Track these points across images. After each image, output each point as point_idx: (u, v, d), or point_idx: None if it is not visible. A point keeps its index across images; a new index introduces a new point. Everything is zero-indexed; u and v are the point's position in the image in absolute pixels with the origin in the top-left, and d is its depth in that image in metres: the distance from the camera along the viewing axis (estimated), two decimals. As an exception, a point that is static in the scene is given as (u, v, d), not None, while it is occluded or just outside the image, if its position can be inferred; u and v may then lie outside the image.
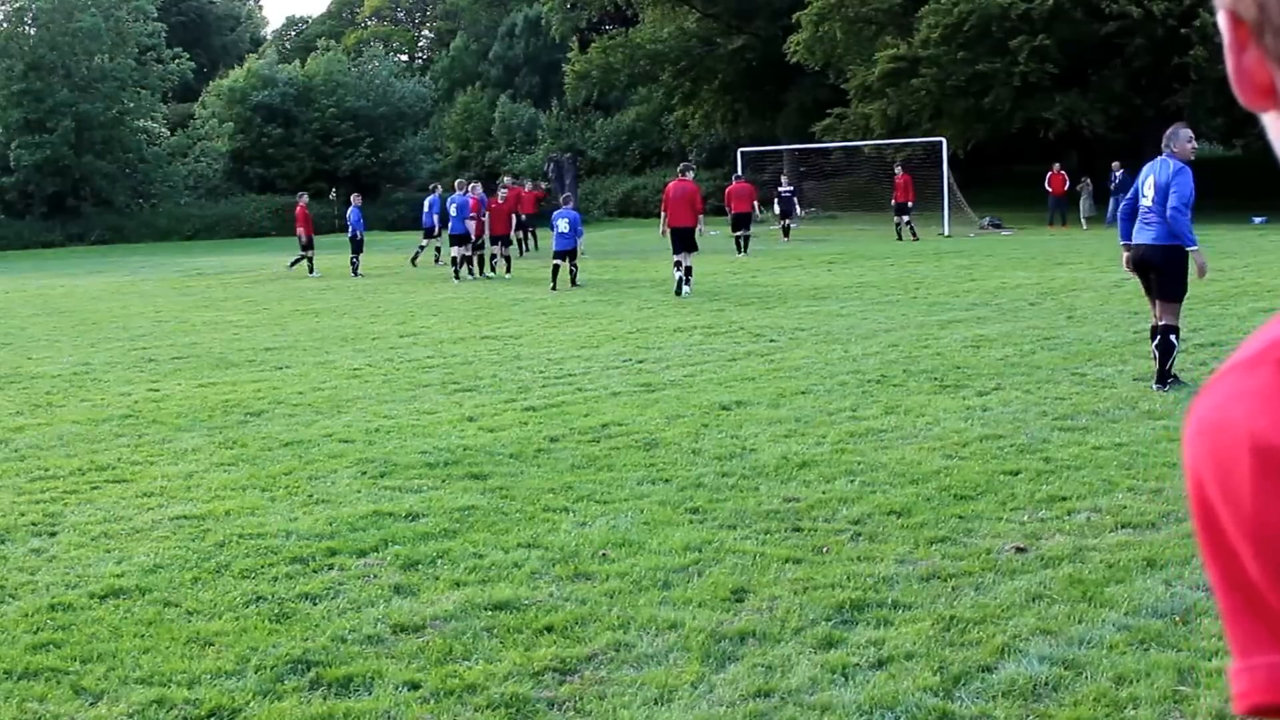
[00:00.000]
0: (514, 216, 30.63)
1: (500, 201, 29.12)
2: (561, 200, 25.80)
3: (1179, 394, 10.52)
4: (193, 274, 31.84)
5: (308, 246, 30.52)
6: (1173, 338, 10.81)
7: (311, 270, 30.09)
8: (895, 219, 36.06)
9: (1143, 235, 10.72)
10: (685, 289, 21.62)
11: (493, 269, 28.27)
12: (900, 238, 35.31)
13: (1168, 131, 10.74)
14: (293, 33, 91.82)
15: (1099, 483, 7.80)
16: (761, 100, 54.68)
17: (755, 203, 34.35)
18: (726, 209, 33.38)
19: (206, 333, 18.17)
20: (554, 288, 23.50)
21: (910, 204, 35.77)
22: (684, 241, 21.98)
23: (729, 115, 55.83)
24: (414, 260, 31.62)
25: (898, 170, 36.67)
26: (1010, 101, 42.00)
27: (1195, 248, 10.62)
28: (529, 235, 35.21)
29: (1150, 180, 10.69)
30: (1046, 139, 43.73)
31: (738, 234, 31.94)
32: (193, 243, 50.13)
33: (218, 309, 22.02)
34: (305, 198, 32.33)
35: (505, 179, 33.79)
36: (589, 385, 12.20)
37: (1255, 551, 0.80)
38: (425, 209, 30.99)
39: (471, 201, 27.70)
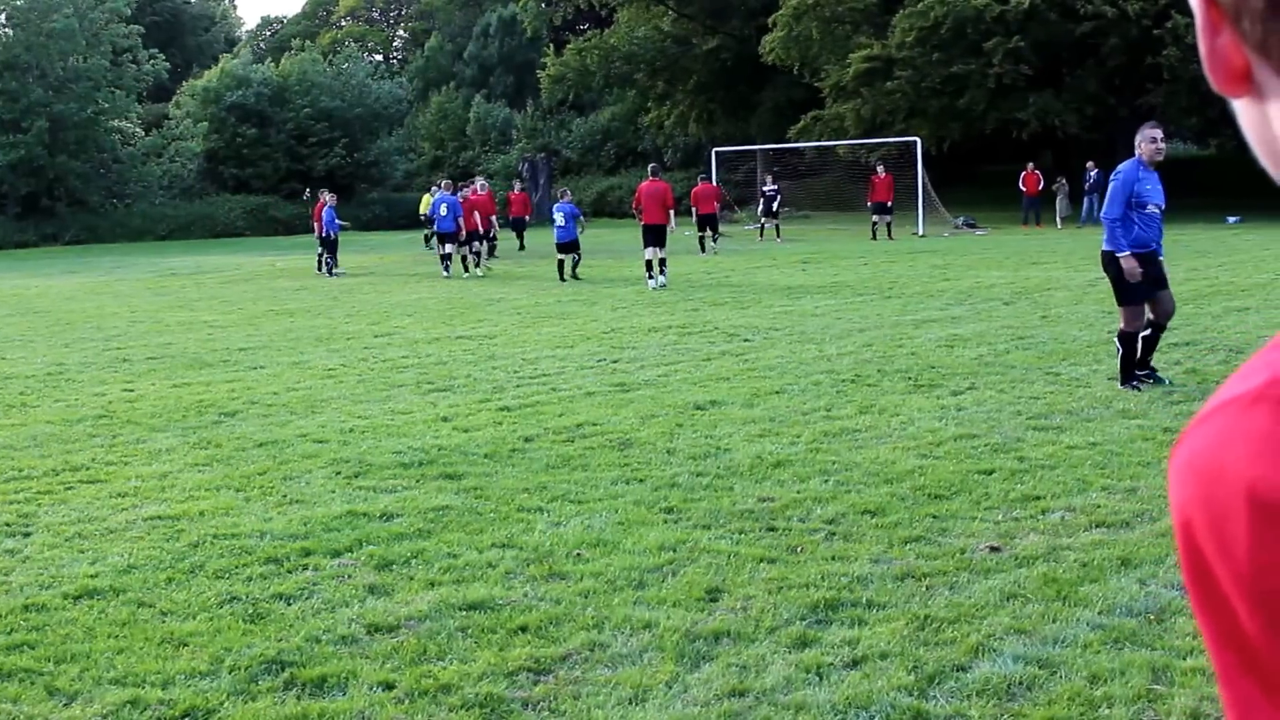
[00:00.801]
0: (489, 218, 30.86)
1: (477, 195, 30.13)
2: (559, 194, 26.96)
3: (1152, 393, 10.56)
4: (167, 274, 31.71)
5: (325, 244, 30.57)
6: (1116, 340, 11.03)
7: (324, 269, 30.21)
8: (873, 218, 36.44)
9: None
10: (661, 278, 22.87)
11: (477, 265, 28.72)
12: (874, 237, 35.74)
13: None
14: (267, 33, 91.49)
15: (1073, 482, 7.83)
16: (736, 100, 54.73)
17: (718, 203, 35.05)
18: (693, 209, 33.79)
19: (181, 333, 18.09)
20: (562, 279, 24.74)
21: (890, 204, 36.20)
22: (656, 237, 23.27)
23: (704, 115, 55.88)
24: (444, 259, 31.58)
25: (880, 170, 37.01)
26: (985, 102, 42.18)
27: (1123, 253, 10.68)
28: (519, 237, 35.70)
29: None
30: (1020, 139, 43.91)
31: (701, 234, 32.85)
32: (167, 243, 49.94)
33: (192, 309, 21.94)
34: (326, 194, 31.92)
35: (479, 179, 34.37)
36: (564, 385, 12.19)
37: (1252, 608, 0.76)
38: (432, 207, 30.82)
39: (472, 198, 29.14)
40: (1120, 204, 10.68)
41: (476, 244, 29.02)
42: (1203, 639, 0.81)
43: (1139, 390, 10.68)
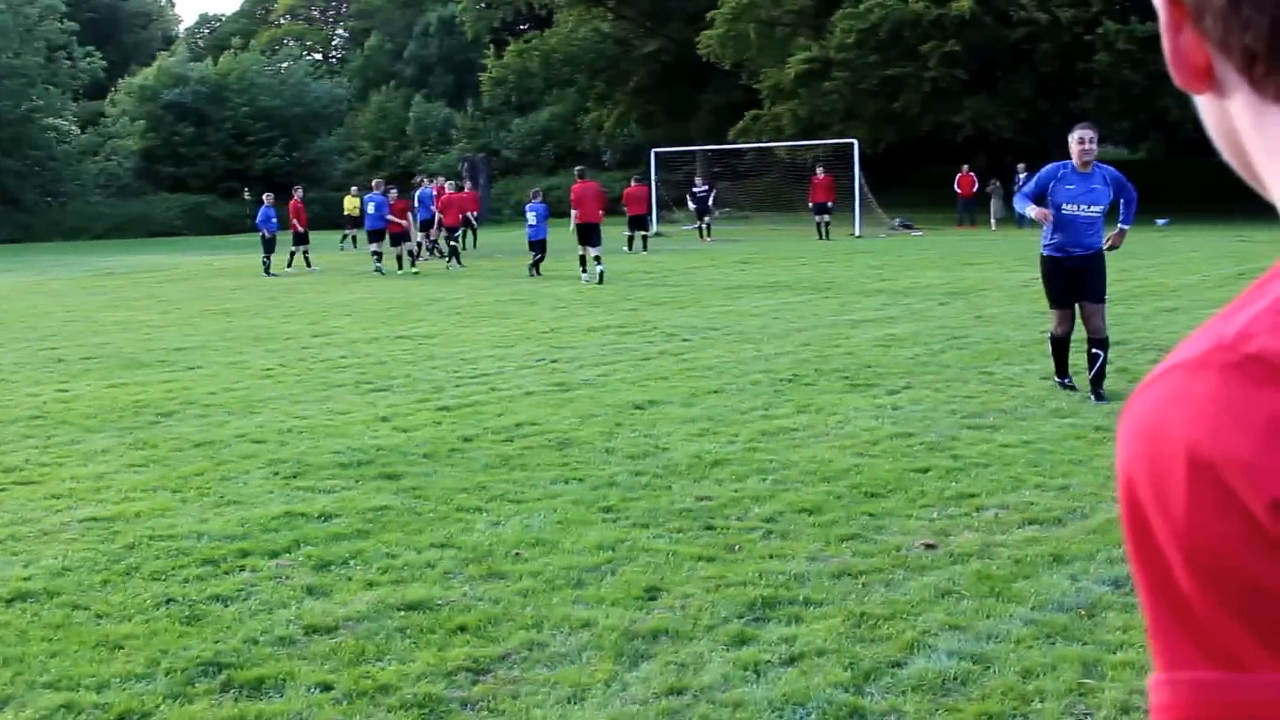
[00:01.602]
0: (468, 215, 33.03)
1: (457, 194, 32.08)
2: (531, 195, 27.91)
3: (1085, 392, 10.70)
4: (103, 273, 31.37)
5: (302, 240, 31.09)
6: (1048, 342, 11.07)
7: (304, 263, 30.81)
8: (815, 218, 36.99)
9: None
10: (598, 268, 23.97)
11: (413, 264, 29.27)
12: (821, 236, 36.33)
13: None
14: (205, 30, 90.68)
15: (1007, 480, 7.93)
16: (676, 102, 54.84)
17: (649, 206, 36.00)
18: (623, 210, 34.37)
19: (117, 333, 17.91)
20: (538, 274, 25.96)
21: (830, 204, 36.71)
22: (590, 235, 24.56)
23: (644, 116, 55.98)
24: (429, 252, 32.54)
25: (820, 172, 37.55)
26: (920, 105, 42.54)
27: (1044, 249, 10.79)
28: (472, 234, 35.98)
29: None
30: (955, 142, 44.32)
31: (631, 234, 33.66)
32: (103, 242, 49.36)
33: (128, 309, 21.72)
34: (300, 191, 32.96)
35: (442, 179, 35.43)
36: (503, 385, 12.19)
37: (1186, 563, 0.78)
38: (415, 204, 31.88)
39: (451, 196, 30.88)
40: (1025, 195, 10.66)
41: (453, 240, 30.63)
42: (1138, 592, 0.83)
43: (1067, 387, 10.74)
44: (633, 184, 35.72)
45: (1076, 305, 10.69)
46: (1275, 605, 0.76)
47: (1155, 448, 0.80)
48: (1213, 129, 0.93)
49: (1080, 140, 10.46)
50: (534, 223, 26.37)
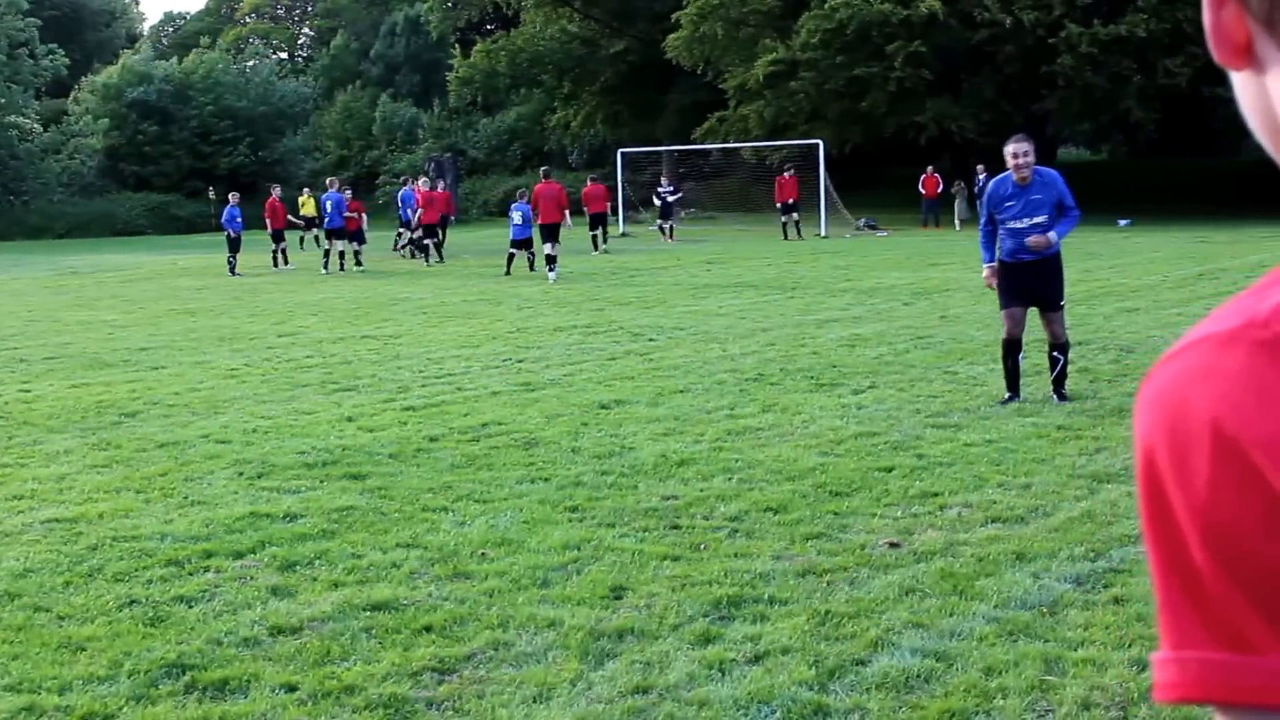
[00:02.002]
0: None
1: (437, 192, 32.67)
2: (518, 195, 28.40)
3: (1047, 392, 10.75)
4: (66, 273, 31.17)
5: (278, 239, 31.37)
6: None
7: (285, 262, 31.06)
8: (782, 218, 37.29)
9: None
10: (551, 275, 24.64)
11: (357, 263, 29.81)
12: (786, 236, 36.65)
13: None
14: (170, 29, 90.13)
15: (970, 479, 7.97)
16: (642, 102, 54.83)
17: (608, 204, 36.29)
18: (584, 209, 34.63)
19: (80, 332, 17.80)
20: (507, 273, 26.39)
21: (796, 204, 37.18)
22: (551, 235, 25.47)
23: (610, 116, 55.95)
24: (414, 253, 32.76)
25: (788, 172, 37.82)
26: (885, 105, 42.68)
27: (985, 264, 10.61)
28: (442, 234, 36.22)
29: None
30: (919, 143, 44.51)
31: (594, 232, 34.10)
32: (66, 241, 49.04)
33: (92, 308, 21.59)
34: (278, 190, 33.47)
35: (424, 178, 35.69)
36: (469, 385, 12.18)
37: (1202, 538, 0.78)
38: (399, 204, 33.46)
39: (432, 194, 31.64)
40: (983, 230, 10.54)
41: (432, 238, 31.24)
42: (1149, 565, 0.83)
43: (1016, 400, 10.37)
44: (589, 183, 36.33)
45: (1031, 311, 10.43)
46: None
47: (1178, 419, 0.79)
48: (1249, 108, 0.92)
49: (1014, 155, 10.25)
50: (519, 221, 26.88)
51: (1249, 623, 0.77)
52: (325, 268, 29.06)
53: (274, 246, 31.55)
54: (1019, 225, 10.30)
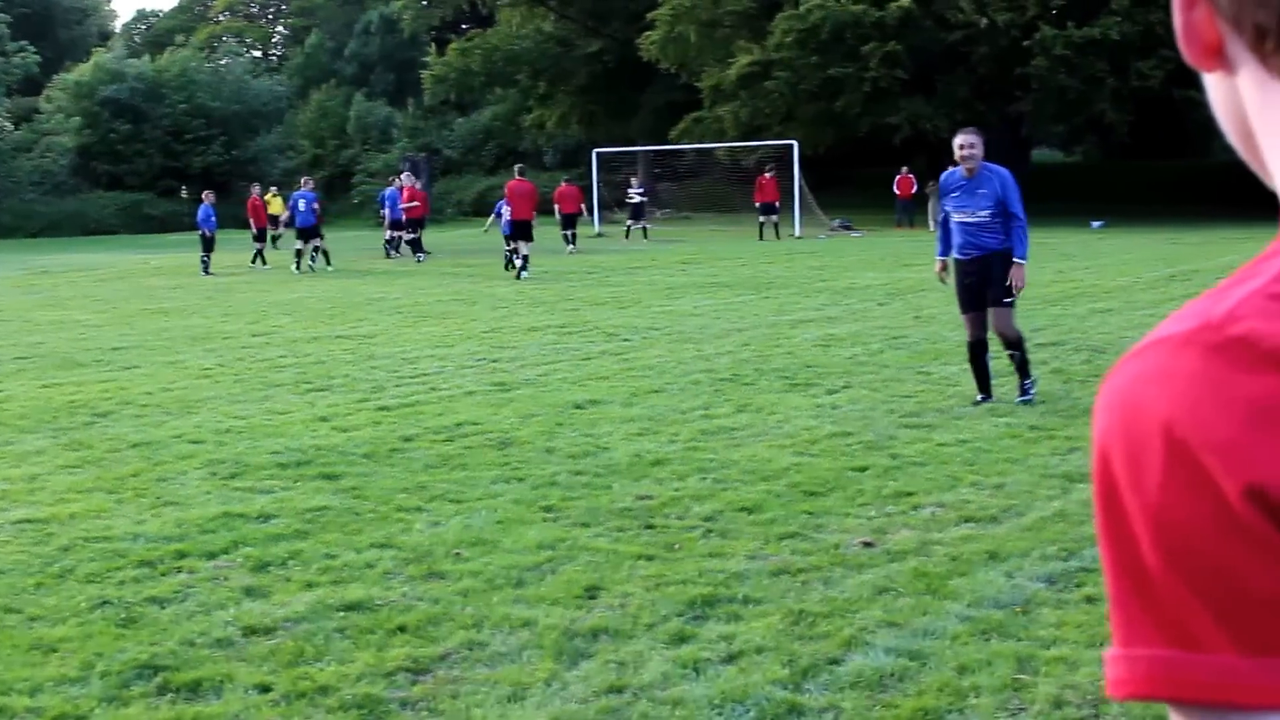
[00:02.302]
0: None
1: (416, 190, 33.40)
2: (506, 191, 29.19)
3: (1011, 401, 10.79)
4: (38, 272, 30.99)
5: (262, 237, 31.52)
6: None
7: (264, 262, 31.08)
8: (760, 218, 37.42)
9: None
10: (524, 274, 24.91)
11: (312, 262, 29.98)
12: (762, 237, 36.81)
13: None
14: (143, 26, 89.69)
15: (944, 478, 8.00)
16: (617, 102, 54.86)
17: (582, 205, 36.45)
18: (555, 209, 34.97)
19: (52, 332, 17.70)
20: (509, 268, 26.88)
21: (777, 204, 37.39)
22: (522, 232, 25.78)
23: (585, 116, 55.95)
24: (391, 252, 33.44)
25: (769, 172, 37.97)
26: (860, 106, 42.80)
27: (937, 258, 10.64)
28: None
29: None
30: (894, 143, 44.63)
31: (565, 231, 34.43)
32: (38, 240, 48.76)
33: (64, 308, 21.47)
34: (258, 189, 33.65)
35: (411, 177, 35.79)
36: (443, 385, 12.16)
37: (1154, 539, 0.79)
38: (387, 205, 33.95)
39: (404, 193, 32.23)
40: (940, 211, 10.59)
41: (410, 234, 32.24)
42: (1103, 565, 0.83)
43: (989, 401, 10.36)
44: (562, 184, 36.46)
45: (984, 310, 10.40)
46: (1237, 589, 0.77)
47: (1132, 421, 0.80)
48: (1220, 109, 0.92)
49: (959, 146, 10.28)
50: (508, 218, 27.32)
51: (1198, 622, 0.78)
52: (298, 268, 29.07)
53: (257, 245, 31.57)
54: (963, 219, 10.31)
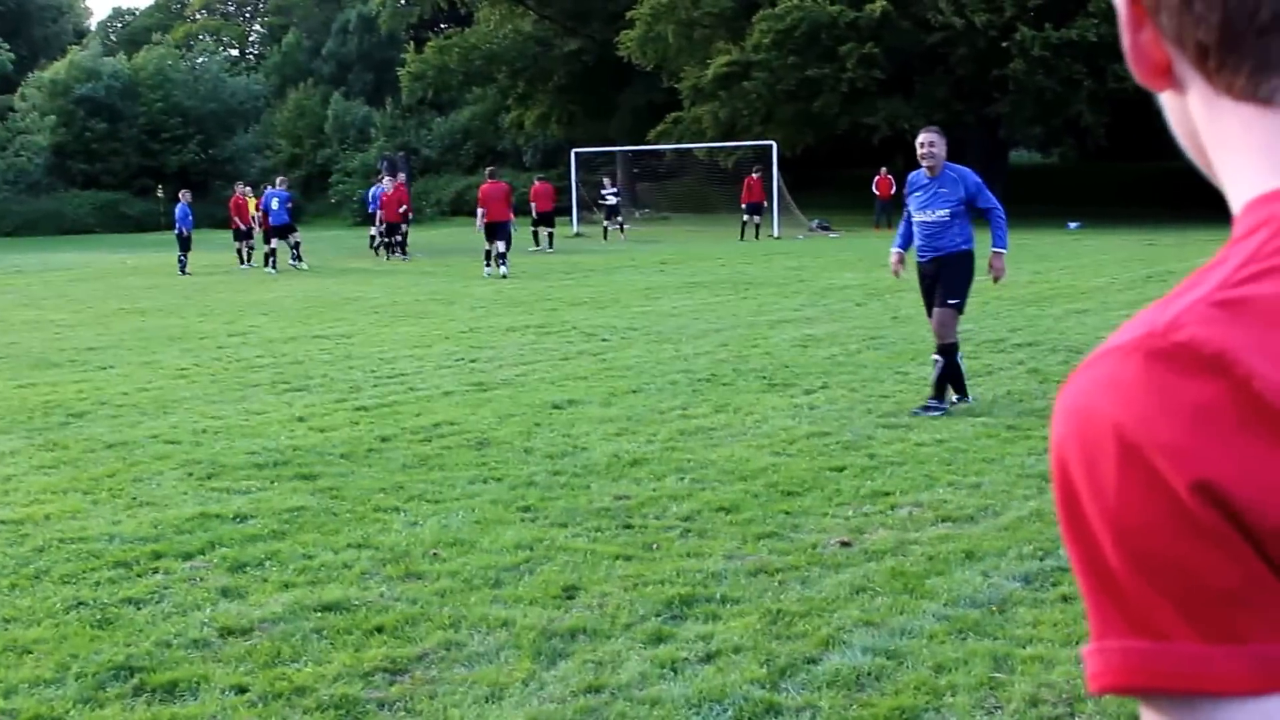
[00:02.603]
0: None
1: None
2: None
3: (996, 392, 10.84)
4: (12, 271, 30.83)
5: (246, 236, 31.36)
6: None
7: (247, 261, 31.07)
8: (745, 218, 37.60)
9: None
10: (503, 269, 25.41)
11: (297, 262, 30.08)
12: (744, 237, 36.90)
13: None
14: (118, 24, 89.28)
15: (921, 478, 8.02)
16: (596, 102, 54.84)
17: (553, 203, 36.60)
18: (530, 208, 35.39)
19: (26, 332, 17.61)
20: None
21: (764, 204, 37.64)
22: (499, 233, 26.13)
23: (564, 116, 55.91)
24: (374, 247, 33.73)
25: (756, 173, 38.21)
26: (838, 106, 42.85)
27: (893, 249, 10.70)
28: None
29: None
30: (872, 144, 44.72)
31: (536, 229, 35.04)
32: (12, 239, 48.46)
33: (38, 307, 21.37)
34: (241, 187, 33.42)
35: (388, 178, 35.93)
36: (421, 385, 12.14)
37: (1115, 540, 0.83)
38: (369, 200, 34.70)
39: (394, 192, 32.45)
40: (904, 221, 10.52)
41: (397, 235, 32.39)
42: (1071, 566, 0.87)
43: (966, 402, 10.29)
44: (537, 182, 36.72)
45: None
46: (1196, 582, 0.81)
47: (1087, 429, 0.84)
48: (1175, 127, 0.96)
49: (919, 145, 10.20)
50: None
51: (1163, 615, 0.82)
52: (274, 268, 29.06)
53: (238, 244, 31.52)
54: (922, 219, 10.27)
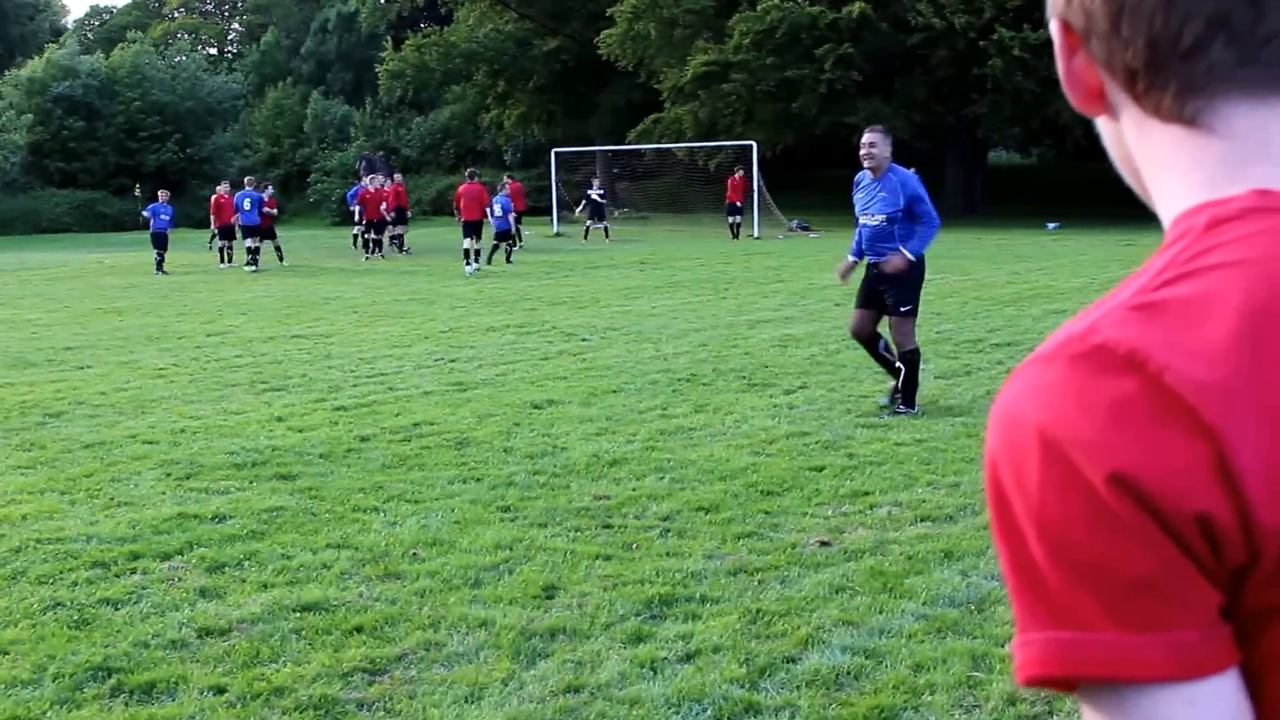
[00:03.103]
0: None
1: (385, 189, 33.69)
2: (499, 187, 30.79)
3: (976, 392, 10.87)
4: (-13, 271, 30.69)
5: (228, 235, 31.38)
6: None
7: (229, 259, 31.10)
8: (729, 218, 37.67)
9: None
10: (476, 265, 26.57)
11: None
12: (735, 235, 36.90)
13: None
14: (95, 23, 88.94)
15: (900, 478, 8.04)
16: (576, 102, 54.84)
17: (523, 202, 36.86)
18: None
19: (3, 332, 17.53)
20: (508, 261, 28.95)
21: (740, 204, 37.32)
22: (474, 231, 27.37)
23: (544, 116, 55.90)
24: (356, 244, 34.38)
25: (739, 173, 38.19)
26: (817, 106, 42.90)
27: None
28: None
29: None
30: (852, 144, 44.73)
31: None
32: (-13, 238, 48.24)
33: (15, 307, 21.26)
34: (227, 186, 33.38)
35: (368, 179, 35.97)
36: (400, 384, 12.12)
37: (1038, 535, 0.86)
38: (350, 199, 35.31)
39: (379, 192, 32.79)
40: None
41: (375, 233, 32.45)
42: (1000, 564, 0.91)
43: (911, 413, 10.05)
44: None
45: (873, 311, 10.22)
46: (1113, 573, 0.85)
47: (1014, 432, 0.89)
48: (1111, 150, 1.01)
49: (862, 144, 10.06)
50: (499, 214, 28.53)
51: (1084, 605, 0.86)
52: (257, 265, 29.24)
53: (221, 243, 31.48)
54: (865, 221, 10.12)
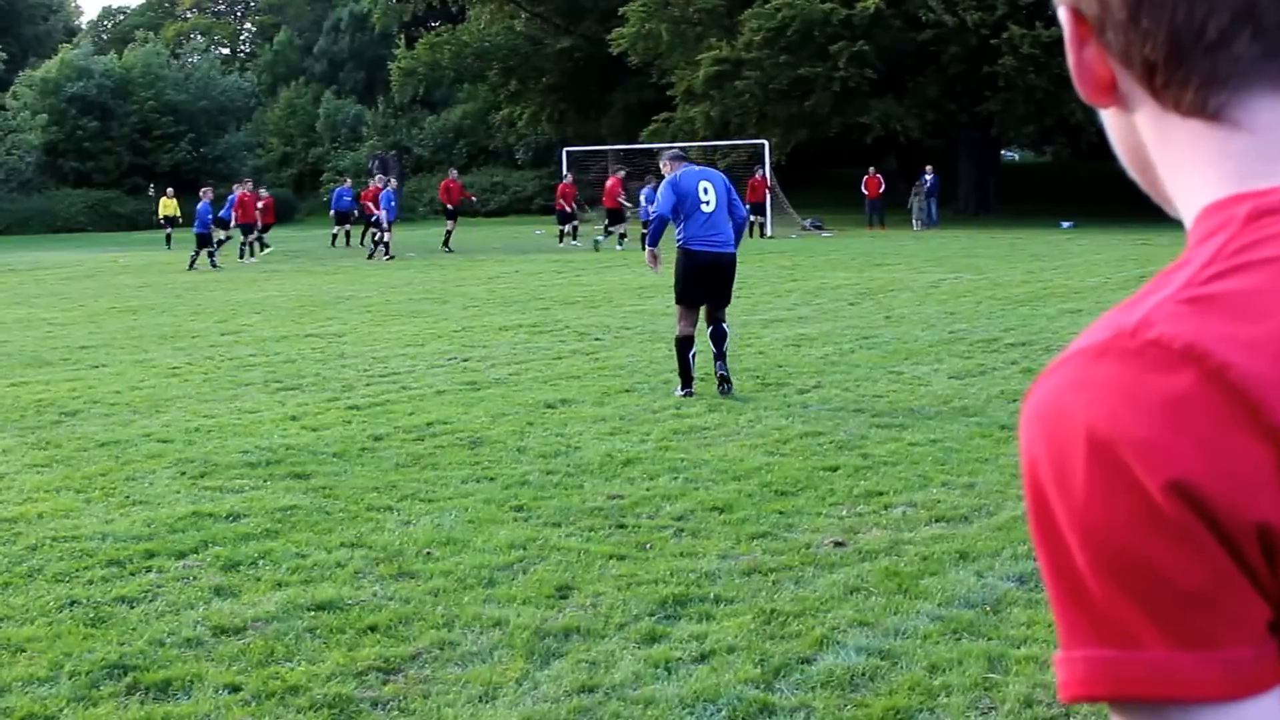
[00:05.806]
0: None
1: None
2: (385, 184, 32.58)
3: (990, 391, 10.84)
4: (4, 270, 30.74)
5: (249, 231, 32.39)
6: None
7: (251, 255, 32.02)
8: (751, 218, 37.72)
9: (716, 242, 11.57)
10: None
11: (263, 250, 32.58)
12: (763, 235, 36.96)
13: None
14: (109, 23, 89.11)
15: (914, 478, 8.02)
16: (588, 101, 54.83)
17: (571, 203, 37.68)
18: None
19: (18, 330, 17.58)
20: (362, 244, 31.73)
21: (762, 204, 37.43)
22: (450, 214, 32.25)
23: (555, 115, 55.90)
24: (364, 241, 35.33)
25: (759, 173, 38.27)
26: (830, 105, 42.85)
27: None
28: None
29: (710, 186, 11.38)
30: (865, 143, 44.73)
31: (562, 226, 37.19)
32: (4, 238, 48.34)
33: (30, 306, 21.32)
34: (250, 184, 34.51)
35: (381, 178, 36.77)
36: (414, 384, 12.13)
37: (1082, 542, 0.82)
38: (334, 198, 37.19)
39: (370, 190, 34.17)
40: None
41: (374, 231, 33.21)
42: (1041, 572, 0.87)
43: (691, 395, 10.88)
44: (562, 183, 38.42)
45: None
46: (1165, 584, 0.80)
47: (1057, 430, 0.83)
48: (1117, 143, 0.97)
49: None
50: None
51: (1132, 620, 0.81)
52: (251, 256, 30.88)
53: (243, 239, 32.02)
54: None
